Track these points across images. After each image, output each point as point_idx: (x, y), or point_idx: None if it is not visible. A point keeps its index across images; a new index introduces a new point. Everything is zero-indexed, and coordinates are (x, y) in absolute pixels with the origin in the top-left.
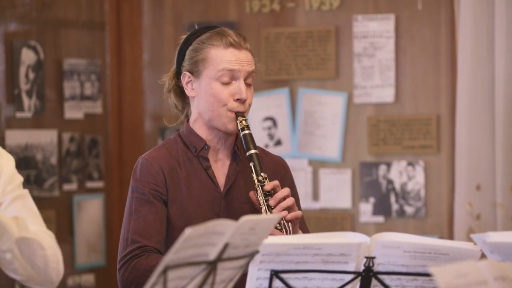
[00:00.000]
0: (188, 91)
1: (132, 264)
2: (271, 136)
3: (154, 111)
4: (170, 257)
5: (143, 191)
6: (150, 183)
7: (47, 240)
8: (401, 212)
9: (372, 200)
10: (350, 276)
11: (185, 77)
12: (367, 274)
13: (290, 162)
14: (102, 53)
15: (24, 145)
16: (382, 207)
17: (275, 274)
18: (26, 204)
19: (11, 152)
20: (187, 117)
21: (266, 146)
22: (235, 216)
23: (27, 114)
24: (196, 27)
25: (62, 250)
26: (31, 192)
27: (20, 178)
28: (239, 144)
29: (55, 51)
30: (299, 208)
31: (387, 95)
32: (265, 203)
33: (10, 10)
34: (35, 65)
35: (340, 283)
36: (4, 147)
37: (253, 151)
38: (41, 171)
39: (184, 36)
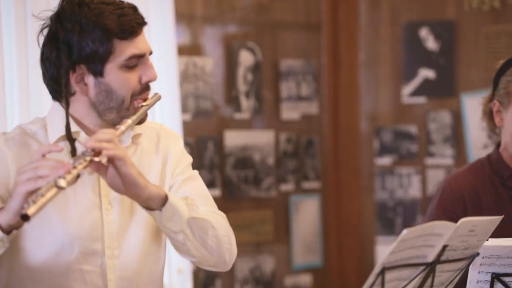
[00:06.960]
0: (497, 120)
1: None
2: (490, 136)
3: (370, 112)
4: (387, 258)
5: (438, 217)
6: (447, 211)
7: (218, 220)
8: None
9: None
10: None
11: (495, 106)
12: None
13: None
14: (318, 54)
15: (242, 145)
16: None
17: (496, 277)
18: (196, 185)
19: (230, 153)
20: (499, 142)
21: (486, 146)
22: None
23: (245, 115)
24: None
25: (279, 250)
26: (248, 192)
27: (189, 159)
28: None
29: (272, 52)
30: None
31: None
32: None
33: (229, 13)
34: (253, 67)
35: None
36: (222, 147)
37: None
38: (259, 171)
39: (503, 61)
